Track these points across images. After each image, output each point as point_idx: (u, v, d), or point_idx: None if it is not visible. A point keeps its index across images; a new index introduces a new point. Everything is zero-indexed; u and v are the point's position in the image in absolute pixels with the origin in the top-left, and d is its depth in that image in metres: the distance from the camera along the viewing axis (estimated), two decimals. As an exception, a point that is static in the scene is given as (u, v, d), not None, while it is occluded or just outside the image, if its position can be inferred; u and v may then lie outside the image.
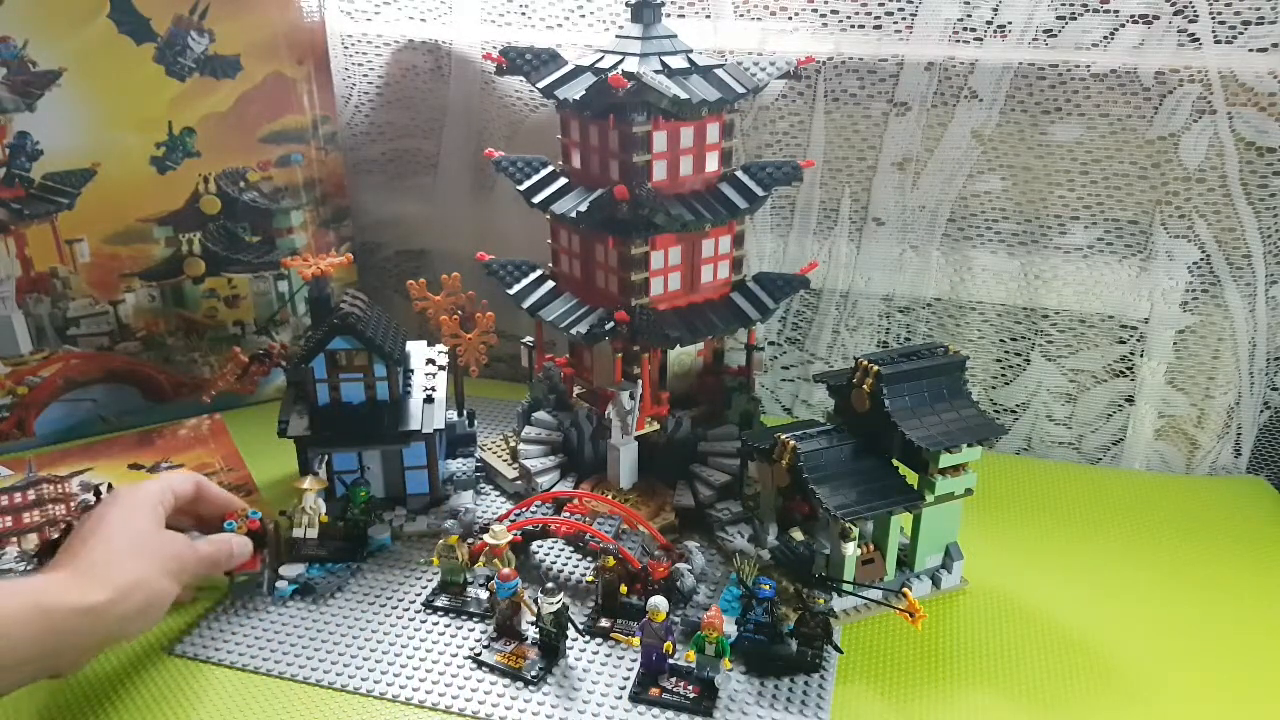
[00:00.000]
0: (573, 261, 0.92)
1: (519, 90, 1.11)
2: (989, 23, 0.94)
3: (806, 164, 0.90)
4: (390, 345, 0.86)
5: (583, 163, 0.89)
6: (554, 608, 0.72)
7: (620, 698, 0.69)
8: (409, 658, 0.73)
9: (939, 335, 1.06)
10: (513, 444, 1.00)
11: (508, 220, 1.14)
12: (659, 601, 0.69)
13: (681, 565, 0.78)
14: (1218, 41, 0.89)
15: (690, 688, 0.69)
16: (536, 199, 0.89)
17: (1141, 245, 0.97)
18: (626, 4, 0.86)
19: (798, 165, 0.89)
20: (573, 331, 0.87)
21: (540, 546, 0.87)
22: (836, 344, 1.10)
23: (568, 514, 0.87)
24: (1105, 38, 0.91)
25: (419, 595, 0.80)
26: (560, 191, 0.89)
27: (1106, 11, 0.91)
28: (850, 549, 0.76)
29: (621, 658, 0.73)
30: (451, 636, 0.75)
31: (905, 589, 0.76)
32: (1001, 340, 1.05)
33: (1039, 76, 0.93)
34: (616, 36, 0.87)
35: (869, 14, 0.96)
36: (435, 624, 0.77)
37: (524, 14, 1.08)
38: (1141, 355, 1.00)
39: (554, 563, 0.85)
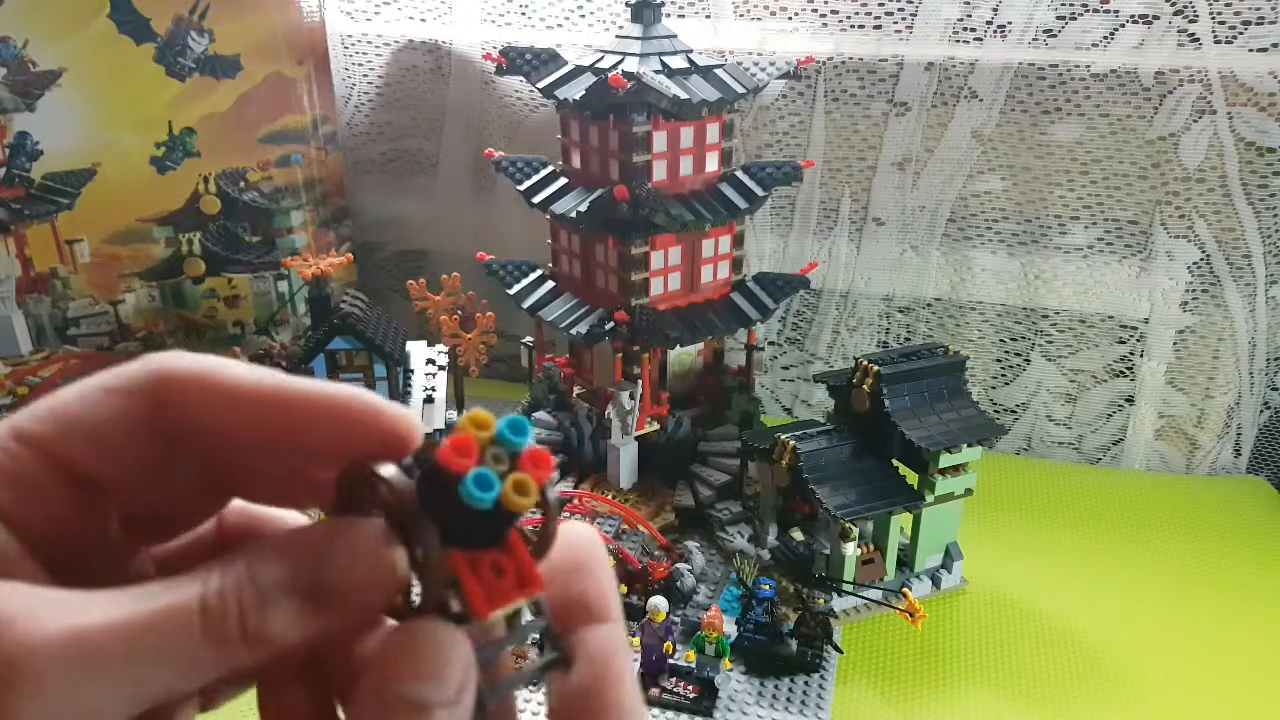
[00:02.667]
0: (573, 261, 0.92)
1: (519, 90, 1.10)
2: (989, 23, 0.94)
3: (806, 164, 0.90)
4: (390, 345, 0.86)
5: (583, 163, 0.89)
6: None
7: (620, 698, 0.69)
8: (409, 658, 0.73)
9: (939, 335, 1.06)
10: (513, 444, 1.00)
11: (508, 220, 1.14)
12: (659, 601, 0.69)
13: (681, 565, 0.78)
14: (1218, 41, 0.89)
15: (690, 688, 0.69)
16: (536, 199, 0.89)
17: (1141, 245, 0.97)
18: (626, 4, 0.86)
19: (798, 165, 0.89)
20: (573, 332, 0.87)
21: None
22: (836, 344, 1.10)
23: (567, 514, 0.87)
24: (1105, 38, 0.91)
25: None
26: (560, 192, 0.89)
27: (1106, 11, 0.91)
28: (850, 549, 0.76)
29: (621, 658, 0.73)
30: (451, 636, 0.75)
31: (905, 589, 0.76)
32: (1001, 340, 1.05)
33: (1039, 76, 0.93)
34: (616, 36, 0.87)
35: (869, 14, 0.96)
36: (435, 624, 0.77)
37: (524, 14, 1.08)
38: (1141, 355, 1.00)
39: (554, 563, 0.85)
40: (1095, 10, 0.91)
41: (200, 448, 0.23)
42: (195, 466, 0.23)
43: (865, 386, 0.77)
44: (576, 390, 0.99)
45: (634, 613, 0.76)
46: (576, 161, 0.90)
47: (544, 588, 0.22)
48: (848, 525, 0.75)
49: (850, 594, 0.77)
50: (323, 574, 0.20)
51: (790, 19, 0.99)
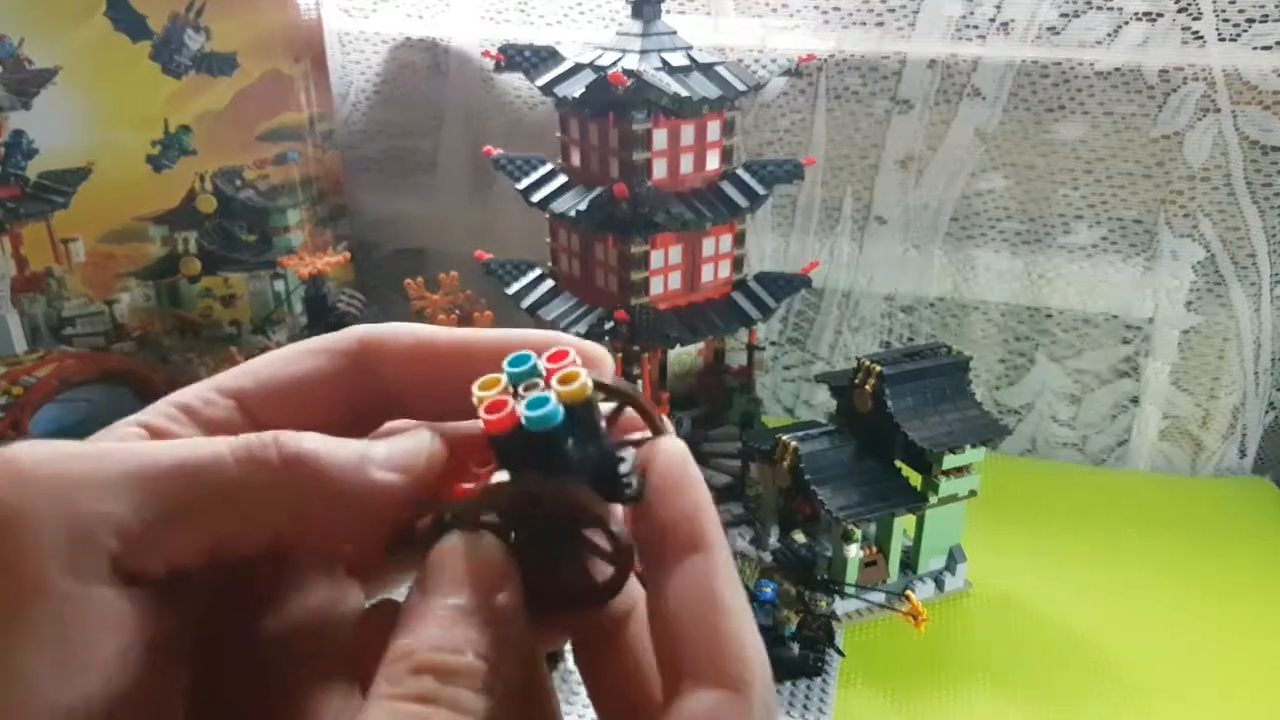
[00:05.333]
0: (572, 260, 0.92)
1: (518, 88, 1.10)
2: (992, 20, 0.93)
3: (808, 162, 0.90)
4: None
5: (582, 161, 0.88)
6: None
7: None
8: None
9: (942, 335, 1.05)
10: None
11: (507, 219, 1.14)
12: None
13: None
14: (1222, 39, 0.88)
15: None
16: (535, 197, 0.88)
17: (1146, 245, 0.96)
18: (626, 1, 0.85)
19: (799, 163, 0.88)
20: (571, 331, 0.87)
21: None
22: (838, 344, 1.09)
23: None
24: (1109, 35, 0.91)
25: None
26: (559, 190, 0.88)
27: (1110, 9, 0.90)
28: (852, 551, 0.75)
29: (621, 661, 0.72)
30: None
31: (908, 592, 0.75)
32: (1005, 340, 1.04)
33: (1042, 74, 0.92)
34: (617, 34, 0.86)
35: (871, 10, 0.96)
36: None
37: (523, 11, 1.08)
38: (1146, 356, 1.00)
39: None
40: (1099, 7, 0.90)
41: (395, 405, 0.23)
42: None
43: (867, 387, 0.77)
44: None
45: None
46: (576, 160, 0.89)
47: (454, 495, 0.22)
48: (850, 527, 0.74)
49: (853, 596, 0.76)
50: (368, 446, 0.21)
51: (791, 16, 0.98)
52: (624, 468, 0.22)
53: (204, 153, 1.05)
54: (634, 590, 0.23)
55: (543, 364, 0.21)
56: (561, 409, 0.20)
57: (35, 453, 0.20)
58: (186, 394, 0.22)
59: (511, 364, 0.21)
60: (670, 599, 0.21)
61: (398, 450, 0.21)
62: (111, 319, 1.07)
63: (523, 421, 0.20)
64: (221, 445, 0.20)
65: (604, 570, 0.22)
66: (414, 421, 0.24)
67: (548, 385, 0.21)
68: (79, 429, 1.07)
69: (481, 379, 0.21)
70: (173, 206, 1.06)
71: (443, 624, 0.19)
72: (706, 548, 0.21)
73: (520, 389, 0.21)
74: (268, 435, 0.20)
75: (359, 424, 0.23)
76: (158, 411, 0.22)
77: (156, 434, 0.22)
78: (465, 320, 0.98)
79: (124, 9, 0.98)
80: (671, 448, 0.22)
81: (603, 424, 0.22)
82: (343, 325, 0.81)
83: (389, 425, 0.24)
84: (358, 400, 0.23)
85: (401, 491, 0.21)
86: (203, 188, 1.07)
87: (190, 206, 1.07)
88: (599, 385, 0.22)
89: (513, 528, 0.21)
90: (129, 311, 1.08)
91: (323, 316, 0.88)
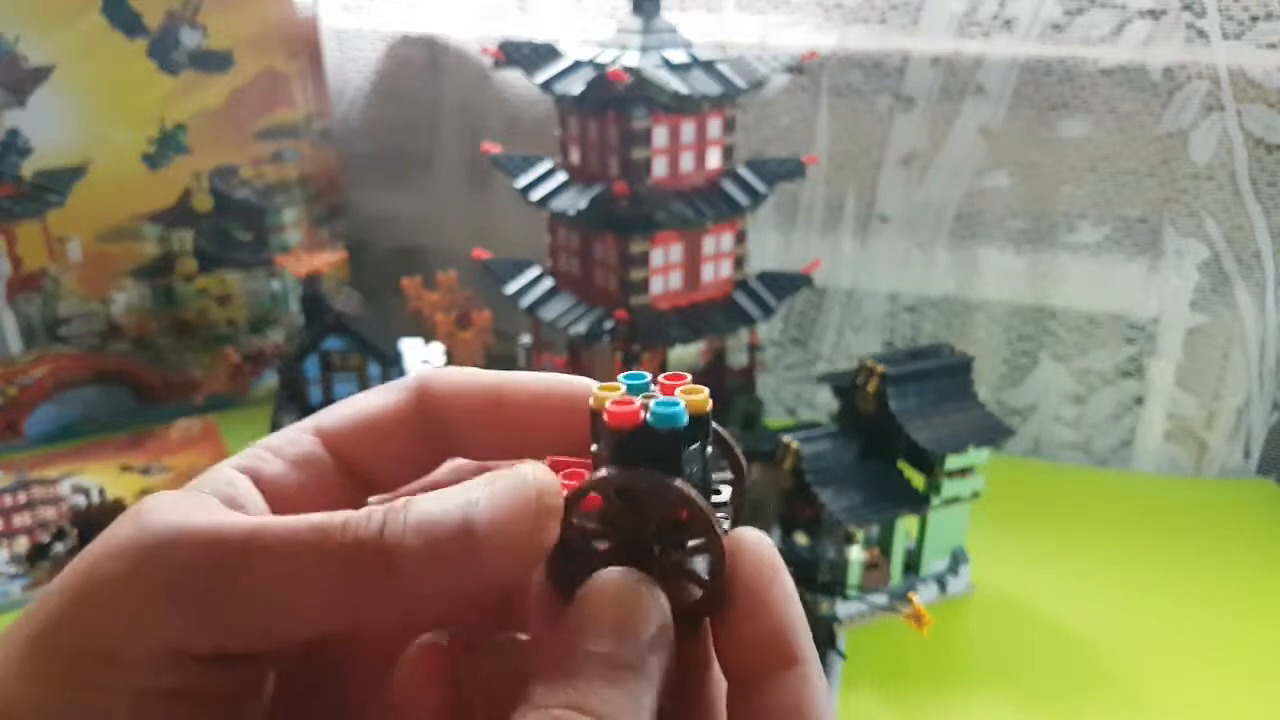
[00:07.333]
0: (571, 259, 0.91)
1: (516, 85, 1.09)
2: (995, 16, 0.92)
3: (810, 160, 0.89)
4: (385, 345, 0.85)
5: (582, 158, 0.88)
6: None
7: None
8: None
9: (945, 335, 1.04)
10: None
11: (505, 217, 1.13)
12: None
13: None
14: (1226, 37, 0.87)
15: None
16: (534, 195, 0.87)
17: (1150, 244, 0.95)
18: (626, -3, 0.85)
19: (801, 161, 0.87)
20: (571, 331, 0.86)
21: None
22: (841, 344, 1.08)
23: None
24: (1113, 32, 0.90)
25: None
26: (559, 188, 0.87)
27: (1114, 6, 0.89)
28: (855, 553, 0.75)
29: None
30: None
31: (911, 594, 0.74)
32: (1009, 340, 1.03)
33: (1046, 72, 0.92)
34: (616, 30, 0.86)
35: (873, 7, 0.95)
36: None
37: (521, 8, 1.07)
38: (1150, 356, 0.99)
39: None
40: (1102, 5, 0.90)
41: (453, 440, 0.25)
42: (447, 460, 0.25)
43: (870, 387, 0.76)
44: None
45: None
46: (575, 157, 0.88)
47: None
48: (852, 529, 0.74)
49: (855, 599, 0.76)
50: (469, 506, 0.20)
51: (793, 12, 0.98)
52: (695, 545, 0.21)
53: (200, 151, 1.05)
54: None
55: (656, 388, 0.22)
56: (687, 415, 0.20)
57: (160, 507, 0.20)
58: (277, 438, 0.24)
59: (629, 378, 0.22)
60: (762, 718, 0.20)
61: (502, 516, 0.20)
62: (107, 319, 1.07)
63: (648, 419, 0.20)
64: (334, 528, 0.20)
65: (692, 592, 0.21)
66: (470, 463, 0.25)
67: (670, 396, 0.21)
68: (75, 430, 1.06)
69: (601, 384, 0.22)
70: (168, 205, 1.05)
71: (580, 675, 0.18)
72: (801, 662, 0.20)
73: (640, 400, 0.21)
74: (375, 519, 0.20)
75: (429, 451, 0.25)
76: (251, 455, 0.24)
77: (253, 476, 0.23)
78: (463, 319, 0.98)
79: (120, 6, 0.97)
80: (762, 542, 0.21)
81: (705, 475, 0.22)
82: (340, 324, 0.81)
83: (449, 465, 0.25)
84: (423, 433, 0.24)
85: (516, 559, 0.20)
86: (199, 186, 1.06)
87: (186, 205, 1.06)
88: (718, 439, 0.22)
89: (612, 532, 0.21)
90: (125, 311, 1.07)
91: (319, 316, 0.87)
